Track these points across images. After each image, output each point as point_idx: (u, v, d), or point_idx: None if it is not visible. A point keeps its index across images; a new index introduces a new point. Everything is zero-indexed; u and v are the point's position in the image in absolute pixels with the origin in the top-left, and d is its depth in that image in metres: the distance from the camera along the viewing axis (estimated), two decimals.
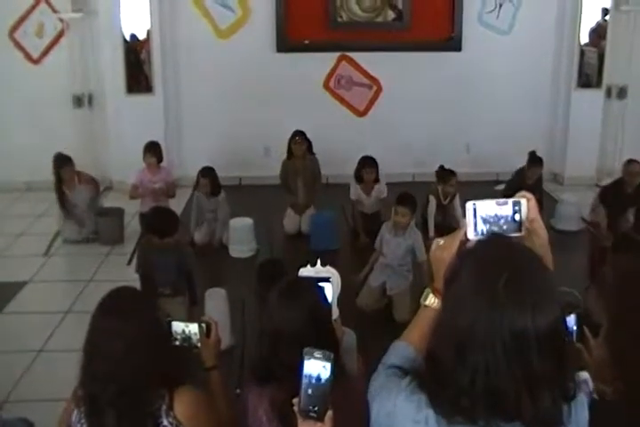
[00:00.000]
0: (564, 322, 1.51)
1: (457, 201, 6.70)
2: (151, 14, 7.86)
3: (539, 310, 1.39)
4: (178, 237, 5.22)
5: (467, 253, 1.61)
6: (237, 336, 4.72)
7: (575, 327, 2.37)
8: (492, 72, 8.38)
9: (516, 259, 1.49)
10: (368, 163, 6.69)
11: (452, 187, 6.69)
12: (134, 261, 5.85)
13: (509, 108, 8.48)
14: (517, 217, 1.65)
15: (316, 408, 1.83)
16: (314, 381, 1.83)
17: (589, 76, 8.29)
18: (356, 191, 6.78)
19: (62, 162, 6.68)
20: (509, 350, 1.38)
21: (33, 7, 8.07)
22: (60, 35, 8.15)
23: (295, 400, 1.86)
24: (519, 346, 1.38)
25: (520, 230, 1.66)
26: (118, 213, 6.91)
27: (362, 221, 6.73)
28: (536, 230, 1.66)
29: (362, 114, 8.63)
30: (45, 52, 8.22)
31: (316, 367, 1.84)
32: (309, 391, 1.83)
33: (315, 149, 7.10)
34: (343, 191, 7.01)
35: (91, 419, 2.22)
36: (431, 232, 6.48)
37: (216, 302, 4.76)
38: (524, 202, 1.66)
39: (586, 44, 8.23)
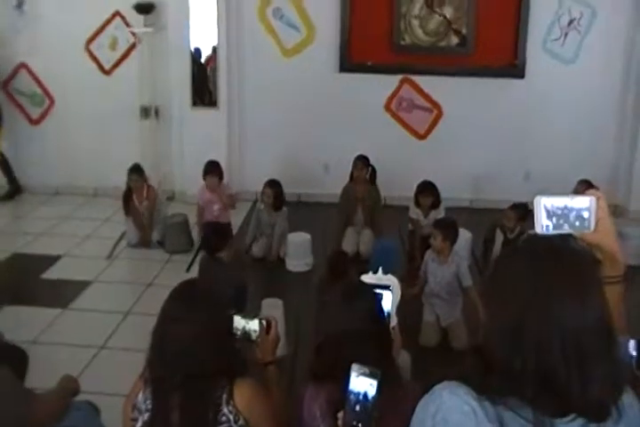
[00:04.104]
0: (608, 319, 1.52)
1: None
2: (218, 30, 8.05)
3: (587, 300, 1.45)
4: (234, 252, 5.31)
5: (518, 246, 1.67)
6: (290, 348, 4.75)
7: (635, 353, 2.35)
8: (556, 101, 8.30)
9: (564, 251, 1.53)
10: (423, 189, 6.62)
11: (508, 221, 6.27)
12: (193, 267, 6.02)
13: (572, 138, 8.36)
14: (586, 214, 1.63)
15: (359, 425, 1.86)
16: (361, 397, 1.86)
17: None
18: (415, 212, 6.72)
19: (133, 172, 6.93)
20: (563, 334, 1.42)
21: (108, 21, 8.37)
22: (131, 48, 8.41)
23: (340, 415, 1.91)
24: (572, 330, 1.43)
25: (589, 228, 1.64)
26: (184, 222, 6.99)
27: (419, 243, 6.53)
28: (601, 231, 1.66)
29: (422, 137, 8.65)
30: (117, 64, 8.48)
31: (364, 385, 1.87)
32: (356, 408, 1.86)
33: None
34: (400, 213, 7.00)
35: (156, 401, 2.30)
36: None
37: (273, 311, 4.82)
38: (593, 200, 1.64)
39: None
